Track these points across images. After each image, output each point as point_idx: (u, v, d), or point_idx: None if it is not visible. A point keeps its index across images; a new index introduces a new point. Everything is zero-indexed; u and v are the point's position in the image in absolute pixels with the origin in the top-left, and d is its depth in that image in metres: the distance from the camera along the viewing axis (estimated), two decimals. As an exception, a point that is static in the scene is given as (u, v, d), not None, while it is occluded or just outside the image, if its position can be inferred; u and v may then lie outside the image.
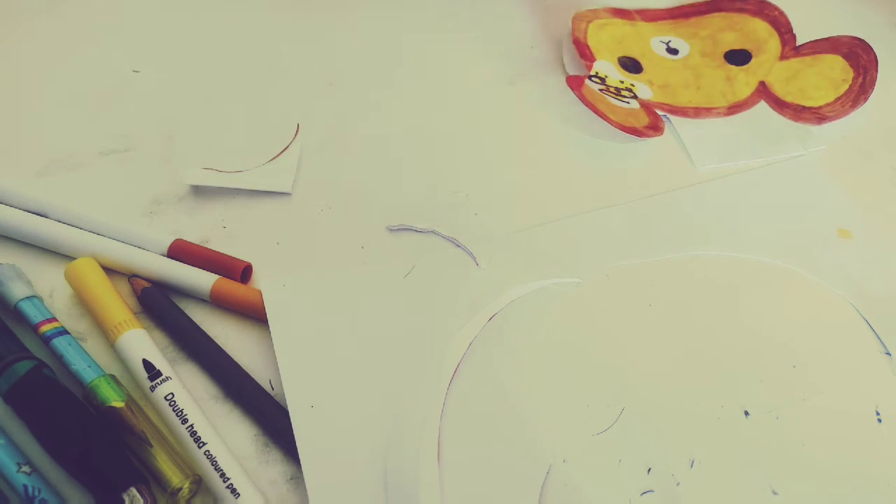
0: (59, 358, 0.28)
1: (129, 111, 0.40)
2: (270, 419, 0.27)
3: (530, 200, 0.36)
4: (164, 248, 0.32)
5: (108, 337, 0.29)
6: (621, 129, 0.37)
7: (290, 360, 0.29)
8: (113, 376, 0.28)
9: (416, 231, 0.34)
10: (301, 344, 0.29)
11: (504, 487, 0.26)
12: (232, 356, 0.29)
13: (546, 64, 0.44)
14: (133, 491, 0.24)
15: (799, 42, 0.43)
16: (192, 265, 0.32)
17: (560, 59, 0.45)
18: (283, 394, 0.28)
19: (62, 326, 0.29)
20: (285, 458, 0.27)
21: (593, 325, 0.31)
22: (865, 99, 0.40)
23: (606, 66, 0.41)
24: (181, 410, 0.27)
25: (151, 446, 0.25)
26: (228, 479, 0.25)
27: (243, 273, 0.32)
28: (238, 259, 0.32)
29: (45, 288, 0.31)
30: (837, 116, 0.39)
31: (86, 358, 0.28)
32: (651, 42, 0.44)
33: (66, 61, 0.42)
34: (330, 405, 0.28)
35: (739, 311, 0.32)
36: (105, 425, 0.26)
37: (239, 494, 0.25)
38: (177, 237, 0.33)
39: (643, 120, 0.38)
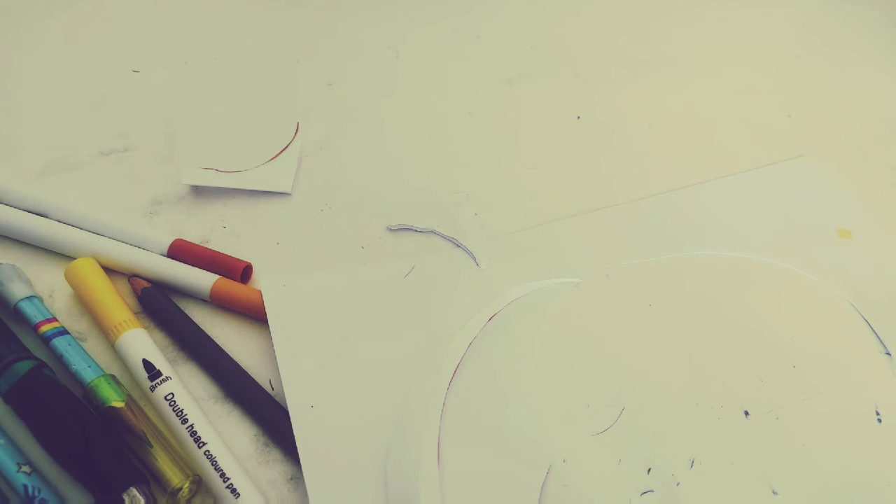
0: (59, 358, 0.28)
1: (129, 111, 0.40)
2: (270, 419, 0.27)
3: (530, 200, 0.36)
4: (164, 248, 0.32)
5: (108, 337, 0.29)
6: None
7: (290, 360, 0.29)
8: (113, 376, 0.28)
9: (416, 231, 0.34)
10: (301, 344, 0.29)
11: (504, 487, 0.26)
12: (232, 356, 0.29)
13: (546, 64, 0.44)
14: (133, 491, 0.24)
15: None
16: (192, 265, 0.32)
17: (558, 59, 0.45)
18: (283, 394, 0.28)
19: (62, 326, 0.29)
20: (285, 458, 0.27)
21: (593, 325, 0.31)
22: None
23: None
24: (181, 410, 0.27)
25: (151, 446, 0.25)
26: (228, 479, 0.25)
27: (243, 273, 0.32)
28: (238, 259, 0.32)
29: (45, 288, 0.31)
30: None
31: (86, 358, 0.28)
32: None
33: (66, 61, 0.42)
34: (330, 405, 0.28)
35: (739, 311, 0.32)
36: (105, 425, 0.26)
37: (239, 494, 0.25)
38: (177, 237, 0.33)
39: None
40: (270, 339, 0.30)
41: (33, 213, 0.33)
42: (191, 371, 0.29)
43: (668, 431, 0.28)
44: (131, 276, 0.32)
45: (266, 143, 0.38)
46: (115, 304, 0.30)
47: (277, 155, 0.38)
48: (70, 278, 0.31)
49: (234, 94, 0.41)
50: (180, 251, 0.32)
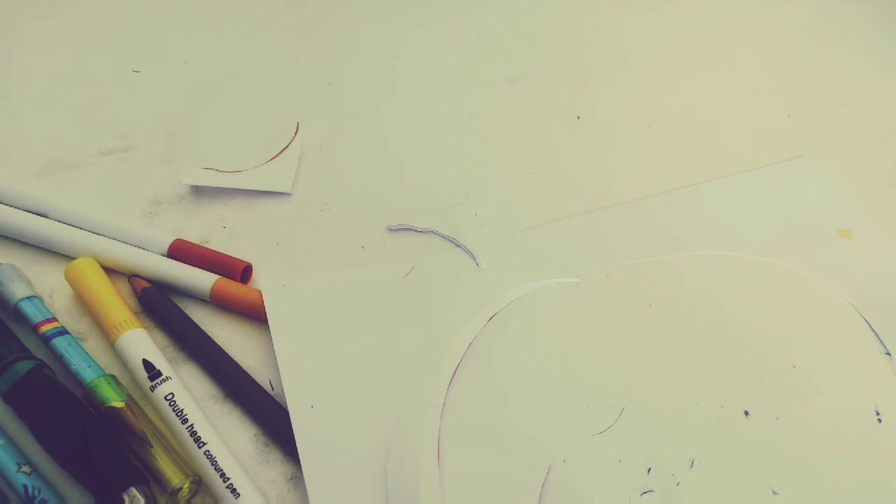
0: (59, 358, 0.28)
1: (129, 111, 0.40)
2: (270, 419, 0.27)
3: (530, 200, 0.36)
4: (164, 248, 0.32)
5: (108, 337, 0.29)
6: None
7: (290, 360, 0.29)
8: (113, 376, 0.28)
9: (416, 231, 0.34)
10: (301, 344, 0.29)
11: (504, 487, 0.26)
12: (232, 356, 0.29)
13: (546, 64, 0.44)
14: (133, 491, 0.24)
15: None
16: (192, 265, 0.32)
17: (558, 59, 0.45)
18: (283, 394, 0.28)
19: (62, 326, 0.29)
20: (285, 458, 0.27)
21: (593, 325, 0.31)
22: None
23: None
24: (181, 410, 0.27)
25: (151, 446, 0.25)
26: (228, 479, 0.25)
27: (243, 273, 0.32)
28: (238, 259, 0.32)
29: (45, 288, 0.31)
30: None
31: (86, 358, 0.28)
32: None
33: (66, 61, 0.42)
34: (330, 405, 0.28)
35: (739, 311, 0.32)
36: (105, 425, 0.26)
37: (239, 494, 0.25)
38: (177, 237, 0.33)
39: None
40: (270, 339, 0.30)
41: (33, 213, 0.33)
42: (191, 371, 0.29)
43: (668, 431, 0.28)
44: (131, 276, 0.32)
45: (266, 143, 0.38)
46: (115, 304, 0.30)
47: (277, 155, 0.38)
48: (70, 278, 0.31)
49: (234, 94, 0.41)
50: (180, 251, 0.32)
